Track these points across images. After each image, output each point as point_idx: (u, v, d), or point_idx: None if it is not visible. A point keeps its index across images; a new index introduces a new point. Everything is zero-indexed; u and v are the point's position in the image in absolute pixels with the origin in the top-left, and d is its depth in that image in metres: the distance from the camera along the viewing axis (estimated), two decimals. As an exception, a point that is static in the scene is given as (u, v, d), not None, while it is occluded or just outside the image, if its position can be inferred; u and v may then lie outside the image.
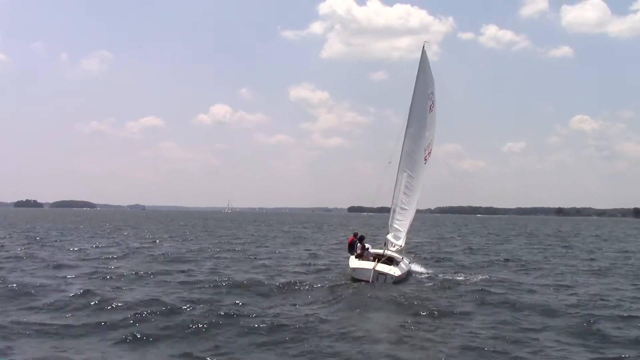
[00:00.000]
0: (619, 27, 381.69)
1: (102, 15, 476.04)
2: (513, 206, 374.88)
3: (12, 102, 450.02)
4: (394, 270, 20.24)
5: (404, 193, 22.74)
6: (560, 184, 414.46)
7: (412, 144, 22.51)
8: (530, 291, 18.99)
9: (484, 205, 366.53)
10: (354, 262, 21.24)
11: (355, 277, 20.21)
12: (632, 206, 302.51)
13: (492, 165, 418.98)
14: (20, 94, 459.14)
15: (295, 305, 16.00)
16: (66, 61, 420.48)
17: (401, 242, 22.58)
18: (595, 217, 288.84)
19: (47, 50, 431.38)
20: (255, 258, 29.21)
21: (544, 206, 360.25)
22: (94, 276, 20.76)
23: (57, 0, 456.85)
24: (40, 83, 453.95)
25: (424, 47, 21.37)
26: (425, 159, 22.60)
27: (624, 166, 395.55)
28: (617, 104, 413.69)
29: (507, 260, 30.34)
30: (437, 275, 22.23)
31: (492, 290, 18.83)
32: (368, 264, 20.59)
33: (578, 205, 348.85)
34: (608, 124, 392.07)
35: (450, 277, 21.62)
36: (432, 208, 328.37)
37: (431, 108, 21.99)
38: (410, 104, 22.25)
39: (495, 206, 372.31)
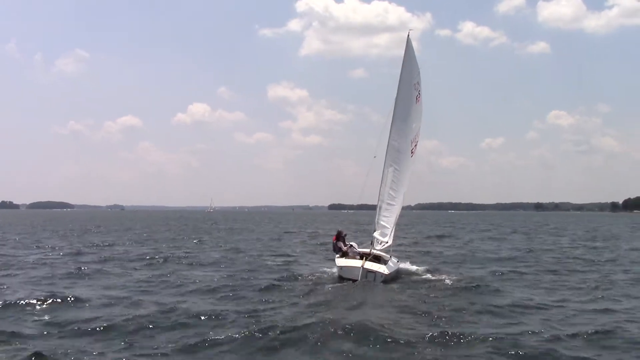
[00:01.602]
0: (594, 22, 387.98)
1: (77, 14, 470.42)
2: (492, 202, 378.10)
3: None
4: (382, 269, 19.47)
5: (391, 188, 21.80)
6: (539, 179, 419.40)
7: (398, 137, 21.64)
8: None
9: (464, 201, 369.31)
10: (340, 261, 20.36)
11: (343, 276, 19.34)
12: (609, 200, 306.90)
13: (471, 162, 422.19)
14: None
15: (280, 307, 15.20)
16: (40, 61, 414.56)
17: (388, 239, 21.64)
18: (573, 212, 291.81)
19: (21, 50, 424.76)
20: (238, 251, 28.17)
21: (523, 201, 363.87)
22: None
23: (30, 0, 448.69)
24: (14, 84, 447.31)
25: (409, 35, 20.55)
26: (412, 152, 21.73)
27: (601, 160, 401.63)
28: (593, 98, 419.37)
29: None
30: (428, 274, 21.52)
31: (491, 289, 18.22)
32: (356, 262, 19.74)
33: (556, 200, 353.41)
34: (584, 119, 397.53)
35: (443, 277, 20.81)
36: (412, 205, 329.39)
37: (417, 99, 21.13)
38: (395, 96, 21.50)
39: (474, 202, 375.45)
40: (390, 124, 21.59)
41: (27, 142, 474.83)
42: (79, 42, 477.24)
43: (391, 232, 21.74)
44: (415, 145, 21.57)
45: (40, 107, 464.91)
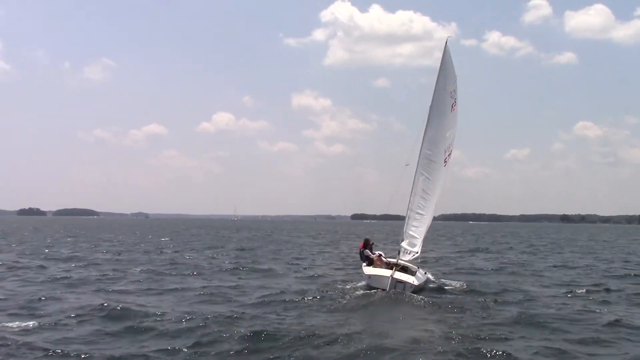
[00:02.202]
0: (622, 32, 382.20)
1: (105, 22, 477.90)
2: (517, 213, 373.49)
3: (15, 111, 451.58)
4: (412, 279, 19.14)
5: (421, 197, 21.42)
6: (565, 191, 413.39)
7: (430, 146, 21.31)
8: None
9: (488, 212, 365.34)
10: (368, 269, 20.04)
11: (371, 285, 19.01)
12: (636, 213, 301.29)
13: (495, 172, 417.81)
14: (23, 102, 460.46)
15: (312, 317, 15.04)
16: (69, 69, 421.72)
17: (417, 249, 21.23)
18: (600, 224, 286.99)
19: (50, 58, 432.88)
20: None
21: (549, 213, 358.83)
22: None
23: (59, 8, 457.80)
24: (42, 91, 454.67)
25: (446, 42, 20.32)
26: (445, 161, 21.34)
27: (629, 172, 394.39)
28: (621, 110, 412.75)
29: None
30: (458, 287, 20.91)
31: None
32: (385, 272, 19.37)
33: (582, 212, 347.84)
34: (612, 130, 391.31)
35: (477, 289, 20.36)
36: (436, 216, 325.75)
37: (453, 107, 20.78)
38: (430, 103, 21.26)
39: (498, 213, 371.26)
40: (423, 132, 21.38)
41: (54, 149, 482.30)
42: (106, 50, 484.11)
43: (420, 242, 21.34)
44: (449, 155, 21.19)
45: (67, 114, 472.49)
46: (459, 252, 43.44)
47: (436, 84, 20.97)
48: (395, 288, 18.41)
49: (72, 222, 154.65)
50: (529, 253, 43.46)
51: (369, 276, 19.42)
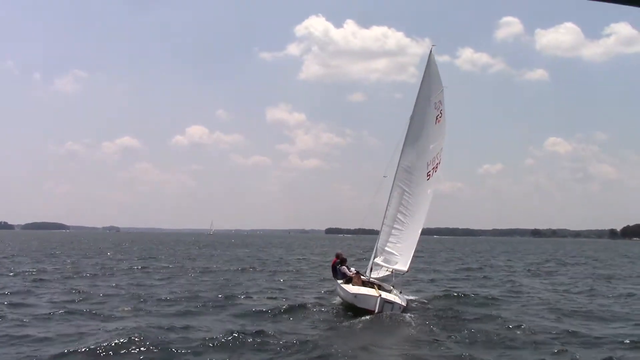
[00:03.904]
0: (592, 50, 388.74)
1: (76, 33, 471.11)
2: (489, 227, 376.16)
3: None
4: (400, 300, 18.11)
5: (400, 212, 20.44)
6: (536, 206, 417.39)
7: (410, 158, 20.47)
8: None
9: (461, 226, 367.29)
10: (352, 288, 18.74)
11: (357, 305, 17.83)
12: (606, 227, 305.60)
13: (468, 187, 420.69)
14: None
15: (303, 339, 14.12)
16: (39, 80, 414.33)
17: (400, 267, 20.13)
18: (571, 239, 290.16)
19: (20, 69, 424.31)
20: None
21: (520, 227, 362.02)
22: None
23: (30, 18, 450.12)
24: (12, 102, 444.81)
25: (431, 51, 19.55)
26: (428, 175, 20.39)
27: (598, 188, 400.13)
28: (591, 126, 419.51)
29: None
30: (439, 306, 19.98)
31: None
32: (372, 291, 18.14)
33: (553, 227, 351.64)
34: (582, 146, 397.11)
35: (458, 308, 19.54)
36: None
37: (438, 119, 19.84)
38: (411, 114, 20.43)
39: (471, 227, 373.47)
40: (402, 144, 20.50)
41: (23, 161, 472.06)
42: (78, 62, 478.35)
43: (408, 259, 20.24)
44: (434, 168, 20.23)
45: (37, 126, 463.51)
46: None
47: (418, 94, 20.19)
48: (382, 309, 17.26)
49: (29, 236, 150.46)
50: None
51: (355, 295, 18.02)
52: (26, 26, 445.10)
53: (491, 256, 65.02)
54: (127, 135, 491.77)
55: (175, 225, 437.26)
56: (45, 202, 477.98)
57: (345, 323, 16.60)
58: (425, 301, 20.64)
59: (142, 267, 36.35)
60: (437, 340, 14.37)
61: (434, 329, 15.77)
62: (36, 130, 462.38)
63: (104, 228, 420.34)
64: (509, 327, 15.90)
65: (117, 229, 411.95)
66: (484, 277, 33.65)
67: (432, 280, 30.40)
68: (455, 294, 23.28)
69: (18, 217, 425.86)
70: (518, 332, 15.26)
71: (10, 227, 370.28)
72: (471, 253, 75.04)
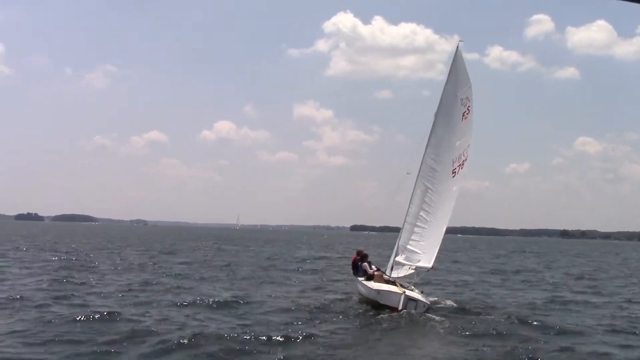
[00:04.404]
0: (625, 49, 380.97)
1: (107, 29, 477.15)
2: (516, 227, 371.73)
3: (15, 116, 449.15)
4: (425, 298, 17.89)
5: (423, 209, 20.15)
6: (564, 206, 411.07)
7: (434, 155, 20.17)
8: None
9: (487, 226, 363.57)
10: (375, 284, 18.65)
11: (380, 302, 17.68)
12: (636, 229, 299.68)
13: (495, 186, 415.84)
14: (23, 107, 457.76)
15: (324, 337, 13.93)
16: (70, 75, 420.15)
17: (427, 263, 19.76)
18: (600, 240, 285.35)
19: (51, 63, 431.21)
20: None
21: (548, 228, 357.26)
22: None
23: (62, 14, 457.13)
24: (43, 97, 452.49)
25: (458, 47, 19.19)
26: (453, 172, 20.00)
27: (629, 189, 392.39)
28: (622, 126, 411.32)
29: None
30: (467, 308, 19.50)
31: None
32: (395, 288, 17.98)
33: (583, 228, 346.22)
34: (613, 146, 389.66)
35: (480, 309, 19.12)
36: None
37: (465, 115, 19.47)
38: (436, 110, 20.16)
39: (497, 227, 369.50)
40: (426, 140, 20.24)
41: (54, 154, 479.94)
42: (108, 57, 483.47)
43: (427, 257, 19.88)
44: (460, 166, 19.83)
45: (67, 120, 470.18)
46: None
47: (444, 90, 19.88)
48: (406, 307, 17.07)
49: (59, 228, 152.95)
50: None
51: (378, 291, 17.91)
52: (58, 21, 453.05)
53: (523, 257, 63.47)
54: (155, 129, 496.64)
55: (202, 219, 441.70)
56: (74, 194, 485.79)
57: (369, 320, 16.44)
58: (452, 303, 20.09)
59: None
60: (468, 344, 13.90)
61: (463, 331, 15.23)
62: (66, 123, 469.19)
63: (131, 221, 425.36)
64: (549, 336, 15.15)
65: (145, 223, 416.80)
66: (523, 280, 31.67)
67: (460, 281, 29.69)
68: (486, 296, 22.88)
69: (48, 209, 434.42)
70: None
71: (40, 218, 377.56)
72: (506, 253, 72.30)
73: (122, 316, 15.50)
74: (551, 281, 31.70)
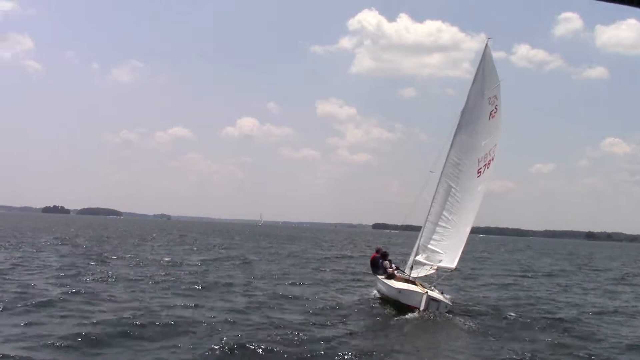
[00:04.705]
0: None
1: (134, 24, 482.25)
2: (541, 228, 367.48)
3: (43, 110, 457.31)
4: (447, 298, 17.55)
5: (446, 209, 19.80)
6: (590, 208, 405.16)
7: (460, 154, 19.81)
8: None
9: (511, 226, 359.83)
10: (397, 283, 18.30)
11: (401, 301, 17.36)
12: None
13: (519, 186, 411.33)
14: (52, 101, 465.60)
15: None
16: (97, 70, 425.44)
17: (450, 264, 19.39)
18: (626, 243, 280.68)
19: (79, 59, 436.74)
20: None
21: (574, 229, 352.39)
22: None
23: (91, 10, 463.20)
24: (71, 91, 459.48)
25: (487, 44, 18.77)
26: (479, 172, 19.64)
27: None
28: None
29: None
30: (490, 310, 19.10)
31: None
32: (417, 288, 17.69)
33: (608, 230, 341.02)
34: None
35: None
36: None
37: (492, 114, 19.04)
38: (462, 108, 19.77)
39: (522, 228, 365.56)
40: (451, 139, 19.88)
41: (81, 149, 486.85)
42: (135, 52, 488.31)
43: (454, 257, 19.52)
44: (486, 165, 19.44)
45: (94, 114, 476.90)
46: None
47: (471, 87, 19.53)
48: (428, 307, 16.72)
49: (86, 221, 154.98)
50: None
51: (400, 290, 17.58)
52: (86, 17, 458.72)
53: (555, 260, 61.42)
54: (179, 125, 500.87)
55: (225, 215, 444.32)
56: (99, 188, 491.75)
57: (391, 321, 16.14)
58: (475, 305, 19.74)
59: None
60: (491, 347, 13.60)
61: (488, 335, 14.95)
62: (93, 118, 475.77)
63: (155, 215, 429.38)
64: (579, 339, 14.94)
65: (168, 217, 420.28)
66: (558, 284, 30.73)
67: (483, 284, 29.10)
68: (511, 299, 22.51)
69: (74, 202, 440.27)
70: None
71: (67, 211, 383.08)
72: (533, 256, 70.08)
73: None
74: (585, 285, 30.74)
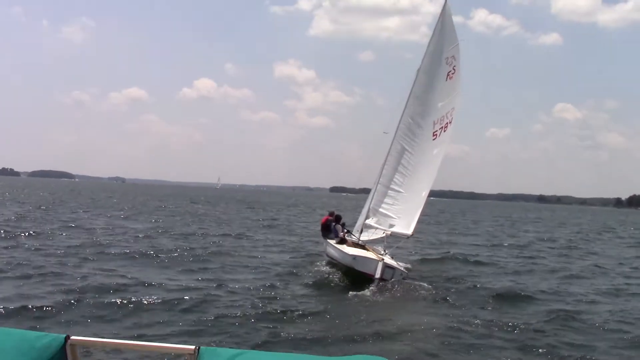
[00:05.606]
0: (608, 16, 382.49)
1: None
2: (494, 192, 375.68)
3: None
4: (403, 265, 17.08)
5: (399, 172, 19.09)
6: (542, 172, 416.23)
7: (414, 115, 19.11)
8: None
9: (465, 190, 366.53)
10: (351, 249, 17.37)
11: (356, 268, 16.54)
12: (612, 196, 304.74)
13: (474, 151, 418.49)
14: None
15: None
16: (46, 28, 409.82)
17: (406, 230, 18.78)
18: (576, 206, 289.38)
19: (27, 16, 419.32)
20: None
21: (525, 193, 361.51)
22: None
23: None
24: (19, 50, 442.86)
25: (446, 1, 18.02)
26: (434, 134, 18.93)
27: (606, 156, 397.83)
28: (602, 94, 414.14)
29: None
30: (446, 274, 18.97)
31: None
32: (372, 254, 16.87)
33: (559, 194, 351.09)
34: (592, 114, 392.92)
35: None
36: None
37: (450, 75, 18.29)
38: (418, 68, 19.06)
39: (476, 191, 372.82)
40: (406, 99, 19.20)
41: (30, 110, 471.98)
42: (86, 10, 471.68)
43: (410, 222, 18.92)
44: (443, 128, 18.79)
45: (44, 74, 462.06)
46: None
47: (428, 47, 18.80)
48: (383, 275, 15.86)
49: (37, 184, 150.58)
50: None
51: (354, 257, 16.61)
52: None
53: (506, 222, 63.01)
54: (135, 86, 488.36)
55: (181, 177, 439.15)
56: (51, 150, 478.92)
57: (349, 290, 15.29)
58: (429, 271, 19.46)
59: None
60: (449, 314, 13.23)
61: (451, 300, 14.66)
62: (43, 78, 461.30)
63: (109, 178, 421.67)
64: (528, 297, 15.45)
65: (123, 180, 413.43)
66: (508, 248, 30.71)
67: (432, 244, 29.31)
68: (460, 259, 22.77)
69: (24, 165, 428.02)
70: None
71: (16, 174, 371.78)
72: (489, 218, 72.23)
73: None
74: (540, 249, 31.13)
